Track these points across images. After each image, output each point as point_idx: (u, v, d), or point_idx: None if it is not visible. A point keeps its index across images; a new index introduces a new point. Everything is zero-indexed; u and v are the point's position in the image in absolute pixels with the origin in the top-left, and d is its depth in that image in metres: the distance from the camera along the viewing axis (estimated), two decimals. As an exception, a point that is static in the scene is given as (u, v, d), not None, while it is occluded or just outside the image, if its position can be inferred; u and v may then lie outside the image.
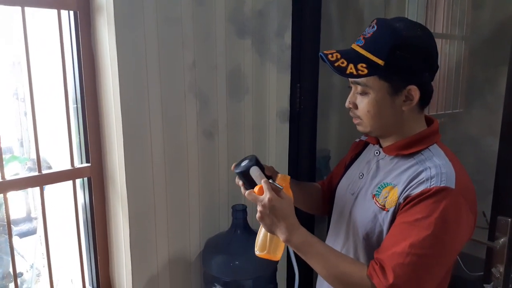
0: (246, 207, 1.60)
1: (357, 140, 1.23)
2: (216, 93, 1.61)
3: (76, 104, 1.46)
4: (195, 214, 1.62)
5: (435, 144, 0.97)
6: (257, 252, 1.03)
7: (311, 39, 1.86)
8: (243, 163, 1.06)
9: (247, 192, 0.99)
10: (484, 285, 1.29)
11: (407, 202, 0.90)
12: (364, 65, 0.91)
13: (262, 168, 1.05)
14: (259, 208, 0.95)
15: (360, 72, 0.91)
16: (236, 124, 1.71)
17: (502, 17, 1.94)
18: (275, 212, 0.93)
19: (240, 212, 1.59)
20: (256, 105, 1.78)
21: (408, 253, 0.85)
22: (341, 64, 0.93)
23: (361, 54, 0.93)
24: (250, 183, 1.04)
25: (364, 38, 0.94)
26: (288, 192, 1.01)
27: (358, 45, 0.95)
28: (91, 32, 1.39)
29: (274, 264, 1.64)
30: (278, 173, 1.11)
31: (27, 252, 3.24)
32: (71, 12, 1.38)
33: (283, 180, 1.03)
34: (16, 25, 1.30)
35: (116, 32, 1.30)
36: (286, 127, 1.92)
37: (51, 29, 1.41)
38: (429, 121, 1.01)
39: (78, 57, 1.40)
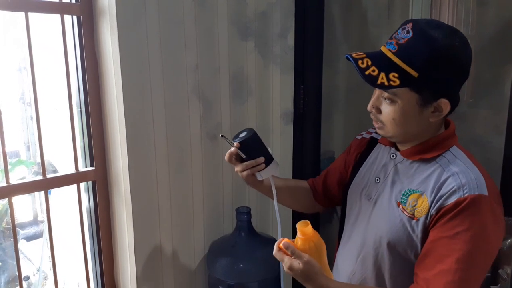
0: (250, 209, 1.60)
1: (359, 137, 1.19)
2: (219, 95, 1.61)
3: (80, 108, 1.46)
4: (199, 217, 1.62)
5: (454, 146, 0.95)
6: None
7: (314, 40, 1.85)
8: (241, 135, 1.05)
9: (274, 251, 0.94)
10: (491, 286, 1.28)
11: (442, 214, 0.87)
12: (396, 75, 0.86)
13: (260, 141, 1.04)
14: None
15: (391, 83, 0.85)
16: (239, 126, 1.71)
17: (508, 15, 1.92)
18: (300, 277, 0.91)
19: (244, 215, 1.58)
20: (260, 107, 1.77)
21: (457, 269, 0.83)
22: (372, 73, 0.87)
23: (393, 61, 0.87)
24: (250, 153, 1.02)
25: (397, 43, 0.88)
26: (312, 242, 0.94)
27: (390, 50, 0.88)
28: (94, 36, 1.40)
29: (278, 266, 1.63)
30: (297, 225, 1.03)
31: (34, 256, 3.25)
32: (75, 17, 1.38)
33: (303, 232, 0.94)
34: (20, 31, 1.31)
35: (119, 35, 1.31)
36: (290, 128, 1.91)
37: (55, 34, 1.42)
38: (445, 121, 0.99)
39: (82, 61, 1.41)
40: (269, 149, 1.06)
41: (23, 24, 1.27)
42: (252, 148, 1.03)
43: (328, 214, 2.15)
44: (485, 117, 2.07)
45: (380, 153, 1.08)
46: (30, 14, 1.26)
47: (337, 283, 0.94)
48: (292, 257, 0.91)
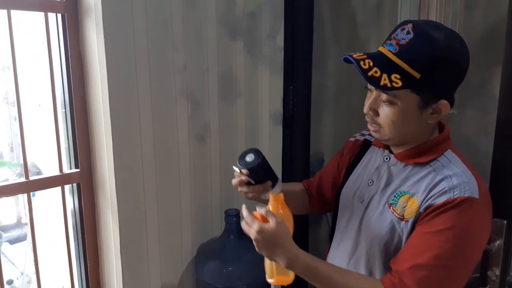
0: (239, 211, 1.58)
1: (352, 139, 1.18)
2: (207, 96, 1.59)
3: (65, 108, 1.43)
4: (187, 219, 1.60)
5: (449, 150, 0.94)
6: (268, 280, 0.99)
7: (303, 41, 1.84)
8: (248, 159, 1.00)
9: (243, 222, 0.93)
10: (480, 288, 1.28)
11: (429, 212, 0.87)
12: (398, 76, 0.84)
13: (267, 165, 1.00)
14: (253, 240, 0.90)
15: (394, 84, 0.84)
16: (228, 127, 1.69)
17: (494, 18, 1.94)
18: (268, 243, 0.88)
19: (233, 217, 1.56)
20: (249, 108, 1.76)
21: (433, 265, 0.83)
22: (374, 74, 0.85)
23: (395, 63, 0.86)
24: (259, 179, 0.99)
25: (397, 44, 0.86)
26: (284, 210, 0.95)
27: (390, 51, 0.87)
28: (79, 35, 1.36)
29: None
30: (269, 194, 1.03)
31: (18, 259, 3.19)
32: (59, 15, 1.35)
33: (275, 200, 0.96)
34: (3, 29, 1.27)
35: (105, 35, 1.28)
36: (279, 130, 1.90)
37: (38, 32, 1.38)
38: (439, 125, 0.99)
39: (66, 60, 1.37)
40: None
41: (5, 22, 1.23)
42: (261, 174, 1.00)
43: (317, 217, 2.14)
44: (473, 119, 2.09)
45: (374, 156, 1.07)
46: (12, 11, 1.22)
47: (305, 253, 0.91)
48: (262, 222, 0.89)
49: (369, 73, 0.86)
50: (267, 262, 0.98)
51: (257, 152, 1.00)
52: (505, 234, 1.22)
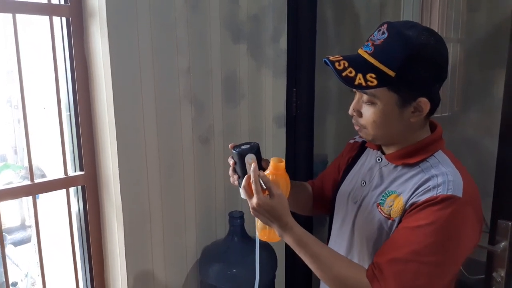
0: (243, 213, 1.58)
1: (352, 141, 1.19)
2: (211, 98, 1.60)
3: (69, 111, 1.44)
4: (191, 222, 1.60)
5: (440, 151, 0.94)
6: (257, 235, 1.01)
7: (307, 43, 1.84)
8: (244, 146, 1.02)
9: (241, 186, 0.95)
10: (485, 290, 1.27)
11: (412, 209, 0.87)
12: (373, 76, 0.86)
13: (260, 158, 1.02)
14: (250, 207, 0.93)
15: (369, 83, 0.85)
16: (232, 129, 1.69)
17: (498, 19, 1.94)
18: (266, 214, 0.91)
19: (237, 219, 1.56)
20: (252, 111, 1.76)
21: (410, 260, 0.83)
22: (349, 74, 0.87)
23: (370, 62, 0.87)
24: (242, 167, 1.00)
25: (373, 44, 0.88)
26: (282, 180, 0.97)
27: (366, 51, 0.89)
28: (84, 38, 1.37)
29: (272, 271, 1.62)
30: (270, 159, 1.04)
31: (22, 261, 3.20)
32: (64, 19, 1.36)
33: (275, 168, 0.97)
34: (8, 32, 1.28)
35: (109, 38, 1.29)
36: (282, 132, 1.90)
37: (43, 36, 1.39)
38: (432, 125, 0.99)
39: (71, 64, 1.38)
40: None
41: (10, 26, 1.24)
42: (244, 165, 1.01)
43: (320, 218, 2.14)
44: (477, 120, 2.08)
45: (369, 157, 1.08)
46: (18, 15, 1.23)
47: (300, 228, 0.93)
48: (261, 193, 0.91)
49: (344, 73, 0.87)
50: (259, 221, 0.99)
51: (252, 147, 1.02)
52: (510, 235, 1.21)
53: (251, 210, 0.93)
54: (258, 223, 1.00)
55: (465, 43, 2.24)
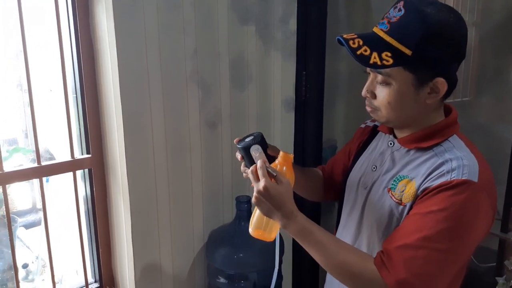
0: (250, 198, 1.57)
1: (363, 125, 1.17)
2: (219, 81, 1.57)
3: (76, 94, 1.42)
4: (198, 206, 1.59)
5: (454, 135, 0.91)
6: (251, 230, 0.98)
7: (317, 25, 1.80)
8: (247, 139, 1.02)
9: (249, 170, 0.93)
10: (496, 278, 1.25)
11: (424, 194, 0.85)
12: (389, 54, 0.82)
13: (265, 146, 1.01)
14: (254, 193, 0.90)
15: (385, 62, 0.82)
16: (239, 113, 1.67)
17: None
18: (271, 199, 0.88)
19: (244, 204, 1.55)
20: (260, 94, 1.73)
21: (421, 246, 0.80)
22: (364, 52, 0.84)
23: (386, 41, 0.84)
24: (250, 160, 1.00)
25: (389, 22, 0.84)
26: (289, 172, 0.95)
27: (382, 29, 0.85)
28: (90, 19, 1.35)
29: (279, 257, 1.61)
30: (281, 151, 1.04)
31: (33, 243, 3.24)
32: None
33: (284, 159, 0.96)
34: (14, 15, 1.27)
35: (115, 18, 1.26)
36: (291, 116, 1.87)
37: (49, 17, 1.37)
38: (447, 109, 0.95)
39: (77, 45, 1.36)
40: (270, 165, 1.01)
41: (15, 7, 1.22)
42: (252, 157, 1.00)
43: (328, 205, 2.13)
44: (490, 107, 2.03)
45: (380, 142, 1.05)
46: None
47: (304, 216, 0.91)
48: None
49: (358, 52, 0.84)
50: (257, 213, 0.97)
51: (255, 137, 1.01)
52: (523, 223, 1.19)
53: (254, 197, 0.90)
54: (253, 219, 0.98)
55: (480, 28, 2.18)
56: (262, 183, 0.88)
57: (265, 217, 0.94)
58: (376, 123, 1.12)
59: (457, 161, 0.84)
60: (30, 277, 2.82)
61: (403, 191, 0.89)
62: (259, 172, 0.90)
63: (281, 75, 1.79)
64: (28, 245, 3.29)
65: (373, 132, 1.11)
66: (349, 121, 2.21)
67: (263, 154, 0.98)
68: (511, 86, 1.92)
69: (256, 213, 0.97)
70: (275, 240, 1.07)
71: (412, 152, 0.93)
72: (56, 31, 1.30)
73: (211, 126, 1.58)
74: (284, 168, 0.95)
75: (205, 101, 1.54)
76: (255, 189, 0.90)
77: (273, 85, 1.78)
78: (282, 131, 1.85)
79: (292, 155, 0.97)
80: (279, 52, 1.76)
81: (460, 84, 2.14)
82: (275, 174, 0.90)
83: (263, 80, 1.73)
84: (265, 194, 0.88)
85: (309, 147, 1.92)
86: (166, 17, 1.38)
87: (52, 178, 2.93)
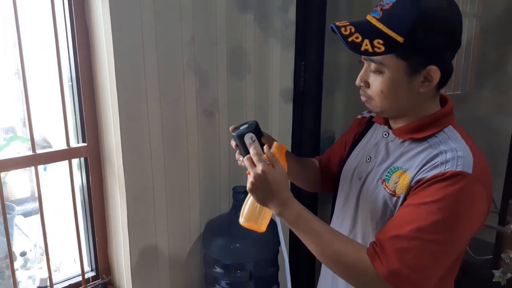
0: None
1: (359, 116, 1.16)
2: (216, 70, 1.55)
3: (72, 82, 1.41)
4: (195, 195, 1.59)
5: (450, 126, 0.90)
6: (241, 221, 0.98)
7: (316, 15, 1.78)
8: (242, 127, 1.02)
9: (245, 158, 0.93)
10: (493, 271, 1.25)
11: (418, 186, 0.84)
12: (381, 41, 0.82)
13: (260, 135, 1.00)
14: (250, 179, 0.89)
15: (376, 49, 0.82)
16: (237, 103, 1.66)
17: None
18: (268, 184, 0.87)
19: (241, 194, 1.55)
20: (259, 84, 1.72)
21: (414, 237, 0.80)
22: (355, 39, 0.83)
23: (378, 28, 0.83)
24: (245, 148, 0.99)
25: (382, 9, 0.84)
26: (282, 163, 0.94)
27: (374, 17, 0.85)
28: (85, 6, 1.33)
29: (275, 246, 1.61)
30: (275, 141, 1.03)
31: (31, 231, 3.25)
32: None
33: (278, 149, 0.96)
34: (8, 2, 1.25)
35: (111, 5, 1.24)
36: (289, 107, 1.86)
37: (44, 4, 1.35)
38: (442, 100, 0.94)
39: (72, 33, 1.34)
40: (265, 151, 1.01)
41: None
42: (239, 144, 1.01)
43: (326, 194, 2.12)
44: (490, 98, 2.02)
45: (375, 133, 1.05)
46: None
47: (300, 204, 0.90)
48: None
49: (349, 39, 0.84)
50: (249, 203, 0.96)
51: (250, 126, 1.00)
52: (521, 215, 1.18)
53: (250, 183, 0.89)
54: (245, 208, 0.97)
55: (481, 18, 2.16)
56: (260, 167, 0.88)
57: (257, 207, 0.93)
58: (372, 114, 1.11)
59: (451, 152, 0.83)
60: (28, 265, 2.82)
61: (397, 183, 0.89)
62: (254, 158, 0.90)
63: (279, 65, 1.77)
64: (27, 234, 3.30)
65: (369, 123, 1.10)
66: (347, 112, 2.19)
67: (257, 143, 0.97)
68: (510, 77, 1.91)
69: (248, 202, 0.96)
70: (278, 234, 1.07)
71: (406, 143, 0.92)
72: (51, 19, 1.28)
73: (208, 115, 1.57)
74: (279, 157, 0.94)
75: (202, 90, 1.52)
76: (251, 174, 0.89)
77: (272, 75, 1.76)
78: (280, 121, 1.83)
79: (286, 146, 0.97)
80: (278, 41, 1.74)
81: (459, 75, 2.13)
82: (267, 163, 0.89)
83: (261, 69, 1.71)
84: (263, 178, 0.87)
85: (307, 137, 1.91)
86: (163, 3, 1.36)
87: (50, 167, 2.93)
